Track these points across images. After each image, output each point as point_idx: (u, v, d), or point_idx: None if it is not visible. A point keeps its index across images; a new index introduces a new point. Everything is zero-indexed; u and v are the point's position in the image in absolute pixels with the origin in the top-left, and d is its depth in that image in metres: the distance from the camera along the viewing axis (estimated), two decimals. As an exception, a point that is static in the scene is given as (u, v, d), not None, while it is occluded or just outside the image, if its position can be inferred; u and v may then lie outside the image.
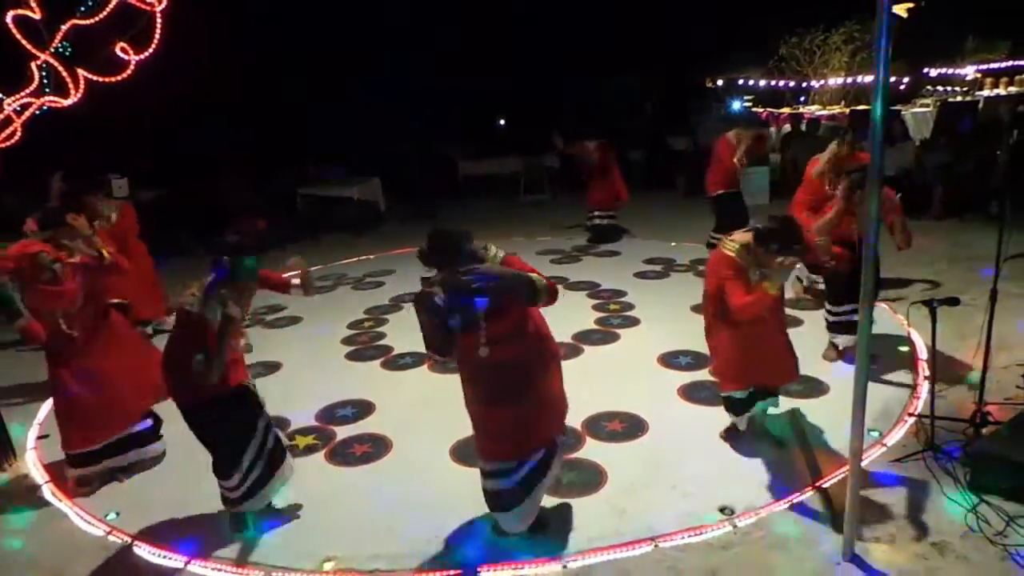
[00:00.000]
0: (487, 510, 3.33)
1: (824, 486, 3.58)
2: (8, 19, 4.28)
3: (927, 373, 4.61)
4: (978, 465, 3.48)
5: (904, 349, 5.09)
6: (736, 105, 17.07)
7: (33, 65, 4.62)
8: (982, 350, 3.87)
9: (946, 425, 3.86)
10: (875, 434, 3.98)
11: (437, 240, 3.10)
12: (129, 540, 3.56)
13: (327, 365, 5.69)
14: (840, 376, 4.69)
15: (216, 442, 3.43)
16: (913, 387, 4.55)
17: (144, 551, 3.47)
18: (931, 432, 3.77)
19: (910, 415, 4.17)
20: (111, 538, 3.60)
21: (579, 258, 8.72)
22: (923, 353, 4.96)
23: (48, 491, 4.11)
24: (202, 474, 4.07)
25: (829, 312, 5.08)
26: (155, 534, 3.58)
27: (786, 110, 16.69)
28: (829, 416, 4.22)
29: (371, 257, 9.58)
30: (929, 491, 3.46)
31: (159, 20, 4.63)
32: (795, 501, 3.48)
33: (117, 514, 3.79)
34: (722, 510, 3.44)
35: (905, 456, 3.74)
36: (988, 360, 3.91)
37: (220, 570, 3.30)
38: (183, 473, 4.12)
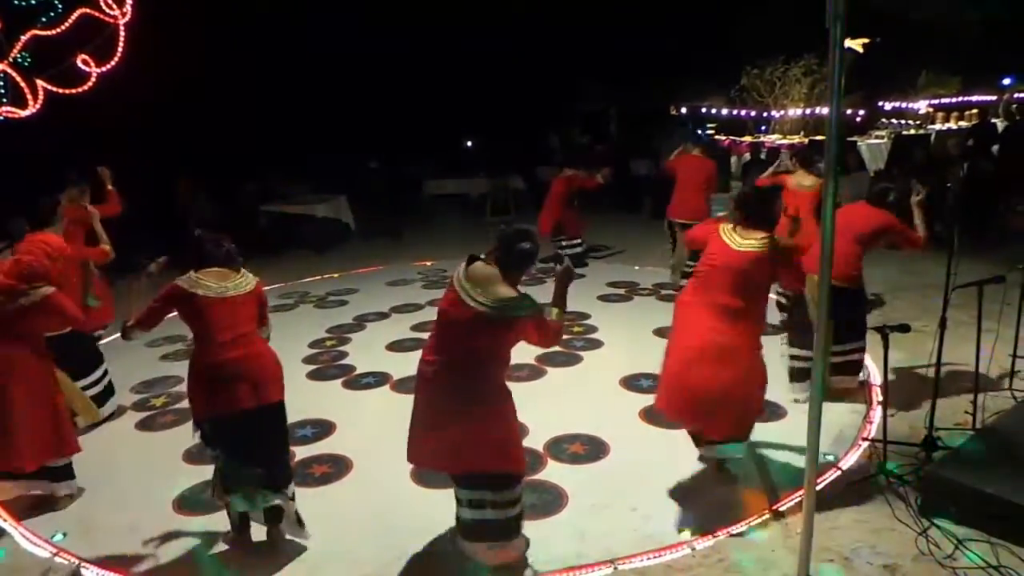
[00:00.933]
0: (447, 533, 3.33)
1: (781, 509, 3.63)
2: (-34, 28, 4.21)
3: (880, 398, 4.72)
4: (928, 489, 3.57)
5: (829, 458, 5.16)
6: (698, 131, 17.41)
7: (-10, 74, 4.53)
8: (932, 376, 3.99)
9: (898, 449, 3.95)
10: (830, 458, 4.06)
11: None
12: (76, 562, 3.45)
13: (288, 383, 5.57)
14: (797, 401, 4.77)
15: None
16: (866, 412, 4.65)
17: (92, 574, 3.37)
18: (883, 456, 3.86)
19: (864, 439, 4.26)
20: (57, 559, 3.49)
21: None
22: (876, 378, 5.08)
23: (-9, 512, 3.97)
24: (152, 494, 4.00)
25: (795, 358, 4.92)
26: (103, 557, 3.48)
27: (747, 139, 17.07)
28: (786, 440, 4.28)
29: (335, 276, 9.50)
30: (882, 514, 3.54)
31: (122, 32, 4.57)
32: (753, 524, 3.52)
33: (64, 535, 3.67)
34: (681, 533, 3.47)
35: (858, 479, 3.82)
36: (938, 386, 4.02)
37: (171, 594, 3.21)
38: (132, 496, 4.03)
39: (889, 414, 4.08)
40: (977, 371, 4.21)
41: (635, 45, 16.86)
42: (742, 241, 3.64)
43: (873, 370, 5.18)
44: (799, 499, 3.59)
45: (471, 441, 3.03)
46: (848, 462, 4.06)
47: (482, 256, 3.07)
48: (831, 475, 3.91)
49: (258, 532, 3.58)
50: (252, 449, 3.27)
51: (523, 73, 16.72)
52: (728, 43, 16.79)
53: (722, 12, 17.00)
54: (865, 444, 4.20)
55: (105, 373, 5.10)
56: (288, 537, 3.49)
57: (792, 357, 4.92)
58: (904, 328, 3.76)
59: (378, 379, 5.62)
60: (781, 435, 4.37)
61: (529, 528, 3.52)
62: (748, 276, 3.60)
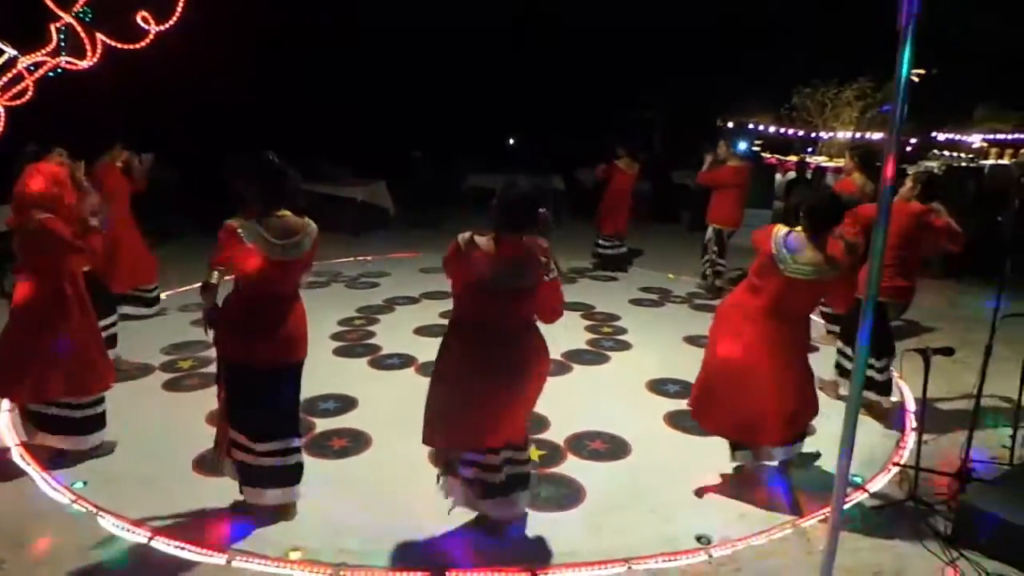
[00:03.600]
0: (461, 515, 3.30)
1: (803, 526, 3.54)
2: (33, -25, 4.29)
3: (914, 424, 4.59)
4: (960, 520, 3.45)
5: (893, 399, 5.07)
6: (743, 146, 17.20)
7: (52, 27, 4.60)
8: (971, 405, 3.86)
9: (930, 477, 3.83)
10: (858, 479, 3.94)
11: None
12: (94, 510, 3.48)
13: (313, 358, 5.55)
14: (826, 418, 4.66)
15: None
16: (899, 437, 4.52)
17: (108, 522, 3.39)
18: (915, 483, 3.74)
19: (895, 464, 4.13)
20: (75, 507, 3.52)
21: (575, 280, 8.71)
22: (911, 405, 4.94)
23: (17, 454, 4.03)
24: (173, 452, 4.04)
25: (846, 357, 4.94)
26: (121, 506, 3.50)
27: (793, 158, 16.81)
28: (814, 458, 4.18)
29: (368, 259, 9.55)
30: (909, 541, 3.42)
31: (183, -6, 4.64)
32: (773, 537, 3.44)
33: (84, 483, 3.71)
34: (699, 539, 3.39)
35: (887, 504, 3.71)
36: (977, 415, 3.89)
37: (183, 548, 3.22)
38: (153, 452, 4.06)
39: (923, 440, 3.96)
40: (1019, 405, 4.06)
41: (686, 55, 16.74)
42: (797, 267, 3.52)
43: (908, 396, 5.05)
44: (823, 516, 3.51)
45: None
46: (877, 485, 3.94)
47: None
48: (859, 496, 3.80)
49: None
50: (266, 402, 3.28)
51: (574, 75, 16.70)
52: (782, 60, 16.56)
53: (777, 29, 16.80)
54: (896, 469, 4.08)
55: (112, 325, 5.16)
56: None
57: (844, 355, 4.93)
58: (948, 351, 3.65)
59: (403, 360, 5.61)
60: (809, 451, 4.27)
61: (544, 520, 3.49)
62: (800, 294, 3.59)
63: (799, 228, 3.60)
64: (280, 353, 3.29)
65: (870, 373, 4.71)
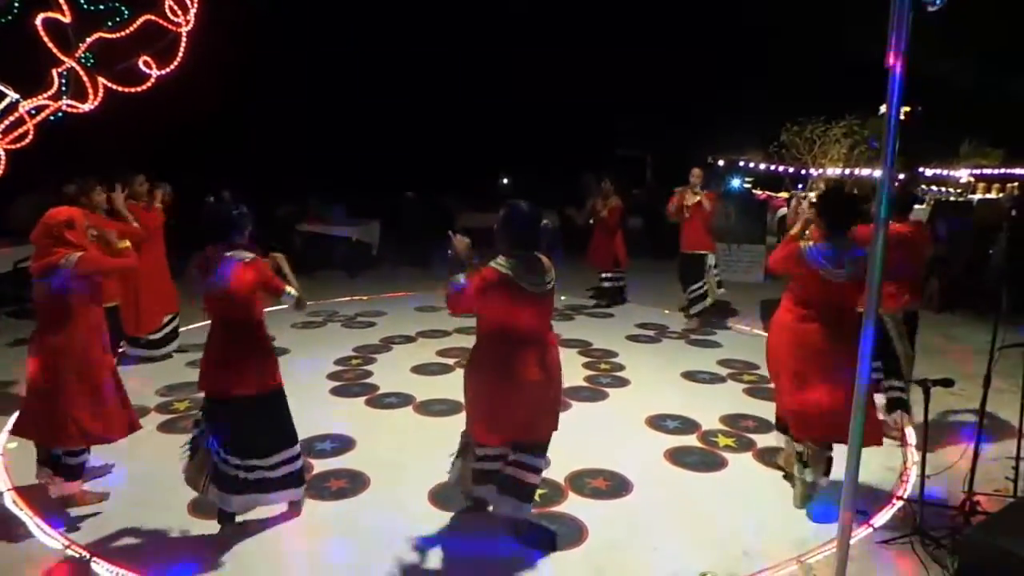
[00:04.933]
0: (460, 556, 3.29)
1: (808, 562, 3.49)
2: (38, 22, 4.34)
3: (916, 458, 4.57)
4: (966, 554, 3.41)
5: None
6: (735, 183, 17.40)
7: (54, 71, 4.66)
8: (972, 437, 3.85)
9: (934, 511, 3.80)
10: (862, 515, 3.90)
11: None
12: (87, 555, 3.41)
13: (310, 398, 5.56)
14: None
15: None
16: (901, 471, 4.50)
17: (102, 568, 3.32)
18: (919, 517, 3.71)
19: (898, 498, 4.11)
20: (69, 552, 3.45)
21: (572, 316, 8.71)
22: (911, 438, 4.92)
23: (9, 498, 3.96)
24: (165, 496, 3.97)
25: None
26: (114, 551, 3.44)
27: (783, 195, 17.00)
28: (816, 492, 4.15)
29: (364, 298, 9.55)
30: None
31: (184, 39, 4.70)
32: (777, 574, 3.39)
33: (78, 528, 3.64)
34: (704, 576, 3.35)
35: (892, 539, 3.67)
36: (978, 448, 3.87)
37: (179, 594, 3.16)
38: (148, 496, 4.01)
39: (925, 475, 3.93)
40: (1020, 437, 4.04)
41: (676, 94, 17.03)
42: (835, 271, 3.66)
43: (909, 429, 5.03)
44: (828, 552, 3.47)
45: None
46: (881, 520, 3.90)
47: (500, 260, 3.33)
48: (863, 531, 3.76)
49: (272, 528, 3.53)
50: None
51: (564, 114, 16.94)
52: (770, 99, 16.87)
53: (765, 68, 17.14)
54: (899, 503, 4.05)
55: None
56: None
57: (889, 388, 4.90)
58: (948, 383, 3.65)
59: (401, 399, 5.57)
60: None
61: (546, 561, 3.44)
62: (843, 296, 3.71)
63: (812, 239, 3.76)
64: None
65: (899, 395, 4.86)
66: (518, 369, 3.31)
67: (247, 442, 3.53)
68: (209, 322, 3.62)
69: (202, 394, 3.62)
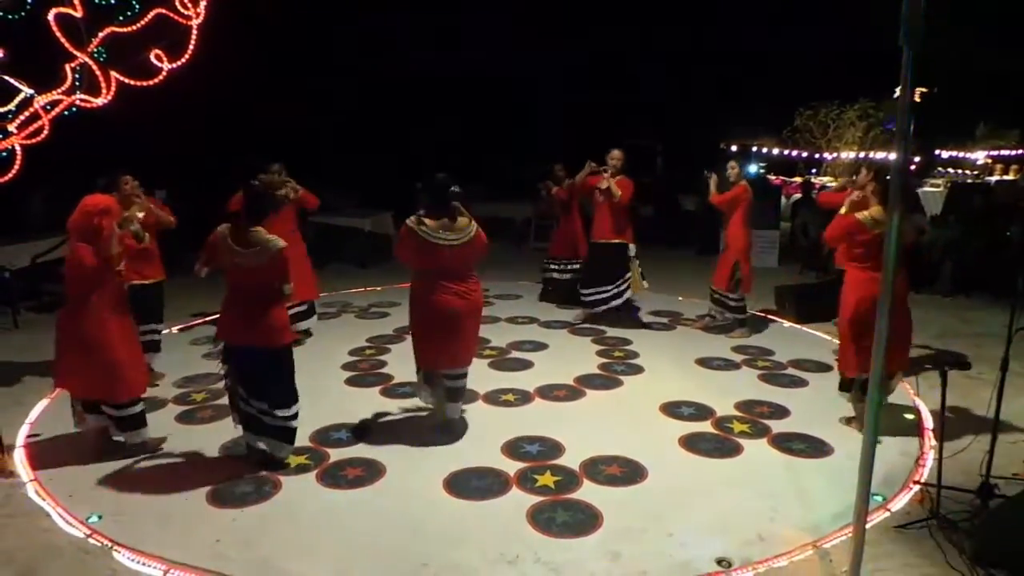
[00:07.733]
0: (475, 544, 3.29)
1: (824, 547, 3.49)
2: (51, 17, 4.37)
3: (933, 443, 4.55)
4: (984, 537, 3.40)
5: (910, 417, 5.02)
6: (752, 168, 17.29)
7: (67, 66, 4.69)
8: (986, 421, 3.82)
9: (952, 495, 3.78)
10: (879, 499, 3.89)
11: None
12: (109, 544, 3.47)
13: (325, 388, 5.61)
14: (844, 438, 4.63)
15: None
16: (918, 455, 4.48)
17: (123, 556, 3.38)
18: (936, 501, 3.69)
19: (915, 483, 4.09)
20: (91, 541, 3.51)
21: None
22: (928, 423, 4.90)
23: (32, 489, 4.03)
24: (187, 484, 4.03)
25: None
26: (136, 540, 3.49)
27: (798, 179, 16.88)
28: (832, 477, 4.15)
29: (377, 289, 9.58)
30: (932, 560, 3.37)
31: (195, 33, 4.72)
32: (795, 559, 3.39)
33: (99, 517, 3.70)
34: (719, 562, 3.35)
35: (909, 523, 3.66)
36: (996, 431, 3.84)
37: (200, 582, 3.20)
38: (167, 485, 4.05)
39: (943, 457, 3.91)
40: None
41: (687, 81, 16.91)
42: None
43: (926, 413, 5.01)
44: (844, 537, 3.46)
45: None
46: (898, 504, 3.89)
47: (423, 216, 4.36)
48: (880, 516, 3.75)
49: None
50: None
51: (573, 104, 16.87)
52: (783, 83, 16.74)
53: (776, 52, 16.98)
54: (916, 487, 4.03)
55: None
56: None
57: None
58: (965, 366, 3.62)
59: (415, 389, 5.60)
60: (828, 472, 4.24)
61: (561, 547, 3.46)
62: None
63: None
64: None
65: None
66: (439, 299, 4.35)
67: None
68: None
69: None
